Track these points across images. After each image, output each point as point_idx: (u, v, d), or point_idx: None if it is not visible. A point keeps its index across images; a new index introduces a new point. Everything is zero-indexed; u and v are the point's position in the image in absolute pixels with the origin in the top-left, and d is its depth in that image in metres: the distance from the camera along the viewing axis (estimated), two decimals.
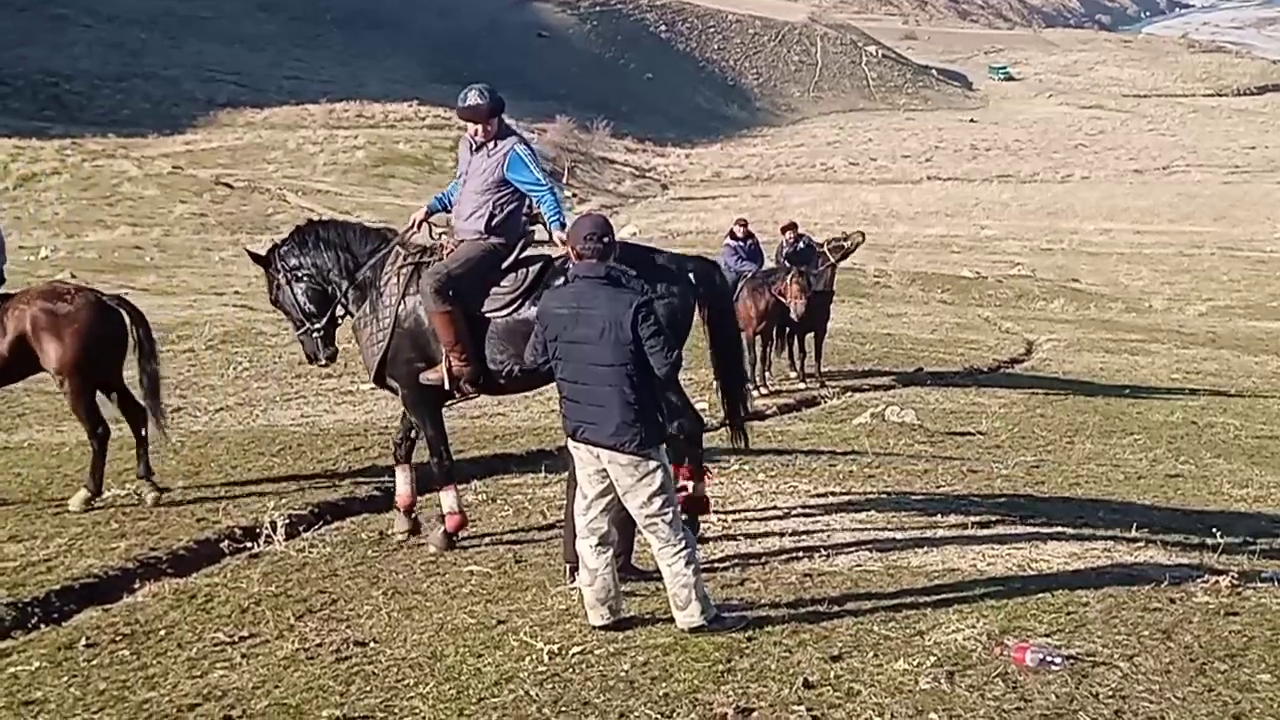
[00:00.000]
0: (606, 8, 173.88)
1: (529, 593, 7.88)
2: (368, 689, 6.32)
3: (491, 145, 8.83)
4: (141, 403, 10.76)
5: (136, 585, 8.27)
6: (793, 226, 21.15)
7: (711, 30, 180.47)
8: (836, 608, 7.39)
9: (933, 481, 12.02)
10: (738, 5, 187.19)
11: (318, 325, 9.28)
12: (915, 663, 6.46)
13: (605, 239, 7.10)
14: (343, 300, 9.14)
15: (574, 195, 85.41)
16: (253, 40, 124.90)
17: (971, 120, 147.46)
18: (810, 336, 20.03)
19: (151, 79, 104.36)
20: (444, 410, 9.22)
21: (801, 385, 19.50)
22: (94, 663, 6.79)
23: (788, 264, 20.01)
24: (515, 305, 8.58)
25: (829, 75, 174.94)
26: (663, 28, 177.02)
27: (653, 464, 6.91)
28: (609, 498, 7.12)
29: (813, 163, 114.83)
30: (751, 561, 8.55)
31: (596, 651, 6.74)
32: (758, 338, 18.99)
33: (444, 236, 9.11)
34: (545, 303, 7.22)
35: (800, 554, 8.74)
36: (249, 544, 9.20)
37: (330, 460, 12.29)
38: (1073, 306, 37.06)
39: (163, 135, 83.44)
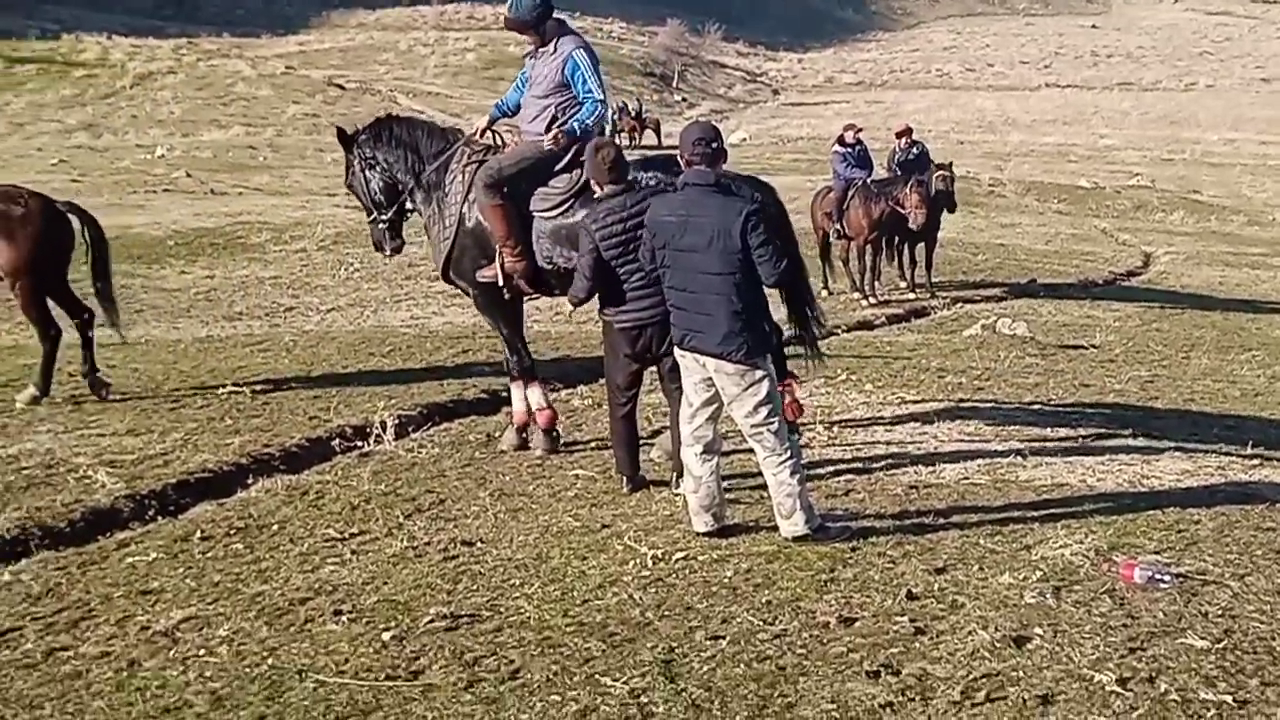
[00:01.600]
0: None
1: (633, 498, 7.92)
2: (474, 588, 6.41)
3: (551, 50, 8.80)
4: (87, 304, 10.95)
5: (250, 481, 8.43)
6: (907, 132, 20.79)
7: None
8: (942, 520, 7.35)
9: (1043, 395, 11.87)
10: None
11: (385, 216, 9.39)
12: (1021, 577, 6.41)
13: (714, 144, 7.03)
14: (410, 198, 9.29)
15: (683, 100, 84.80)
16: None
17: (1093, 26, 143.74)
18: (921, 246, 19.77)
19: None
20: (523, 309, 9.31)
21: (911, 295, 19.29)
22: (209, 555, 6.95)
23: (900, 171, 19.72)
24: (565, 207, 8.69)
25: None
26: None
27: (759, 373, 6.88)
28: (714, 406, 7.11)
29: (928, 69, 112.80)
30: (857, 472, 8.52)
31: (700, 558, 6.77)
32: (868, 246, 18.78)
33: (509, 135, 9.17)
34: (654, 210, 7.18)
35: (906, 465, 8.69)
36: (359, 443, 9.34)
37: (438, 362, 12.43)
38: (1193, 219, 36.19)
39: (276, 35, 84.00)
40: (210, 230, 22.46)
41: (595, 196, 7.90)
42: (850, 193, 18.95)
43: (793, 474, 6.93)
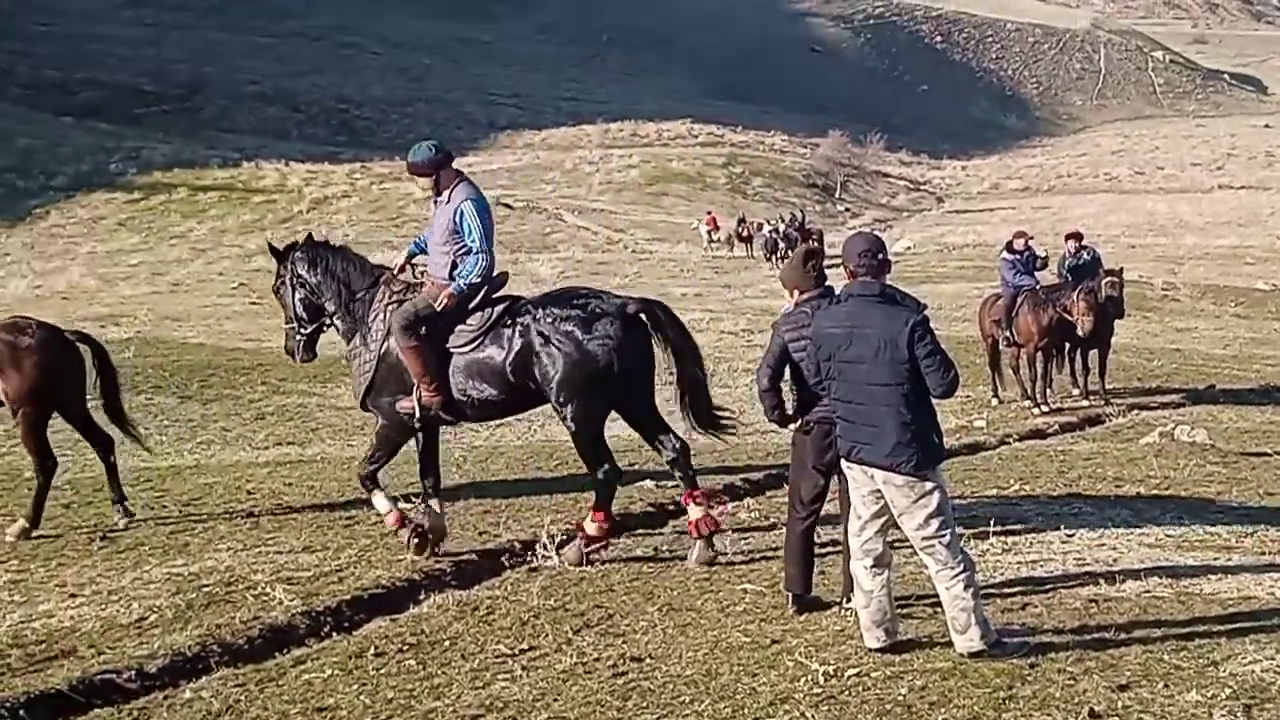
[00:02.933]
0: (881, 20, 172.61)
1: (803, 613, 7.82)
2: (644, 705, 6.36)
3: (445, 199, 9.40)
4: (107, 431, 11.08)
5: (422, 596, 8.54)
6: (1076, 236, 20.49)
7: (989, 39, 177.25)
8: (1124, 635, 7.11)
9: (1226, 504, 11.48)
10: (1017, 13, 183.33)
11: (305, 331, 9.96)
12: (1209, 694, 6.16)
13: (880, 256, 7.01)
14: (335, 325, 9.81)
15: (846, 209, 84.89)
16: (531, 62, 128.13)
17: (1266, 125, 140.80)
18: (1094, 353, 19.39)
19: (435, 103, 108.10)
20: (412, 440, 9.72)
21: (1085, 403, 18.88)
22: (382, 671, 7.03)
23: (1070, 277, 19.42)
24: (477, 343, 9.22)
25: (1113, 82, 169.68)
26: (938, 38, 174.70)
27: (929, 485, 6.78)
28: (883, 518, 7.01)
29: (1095, 172, 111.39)
30: (1034, 585, 8.31)
31: (873, 674, 6.64)
32: (1039, 354, 18.47)
33: (425, 275, 9.68)
34: (818, 322, 7.17)
35: (1085, 578, 8.44)
36: (528, 557, 9.40)
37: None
38: None
39: None
40: None
41: (795, 301, 7.90)
42: (1019, 299, 18.70)
43: (967, 587, 6.79)
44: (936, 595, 7.00)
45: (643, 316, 9.25)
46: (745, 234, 54.99)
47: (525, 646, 7.38)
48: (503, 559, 9.38)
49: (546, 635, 7.55)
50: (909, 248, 58.83)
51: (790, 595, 7.97)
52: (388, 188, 69.19)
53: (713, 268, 49.85)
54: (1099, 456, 14.26)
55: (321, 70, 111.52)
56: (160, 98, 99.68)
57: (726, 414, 10.08)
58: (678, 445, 9.38)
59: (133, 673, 7.00)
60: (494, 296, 9.35)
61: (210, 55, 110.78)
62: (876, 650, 6.96)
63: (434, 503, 9.64)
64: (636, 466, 12.84)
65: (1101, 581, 8.32)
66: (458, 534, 9.99)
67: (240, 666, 7.19)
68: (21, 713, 6.43)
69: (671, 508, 11.20)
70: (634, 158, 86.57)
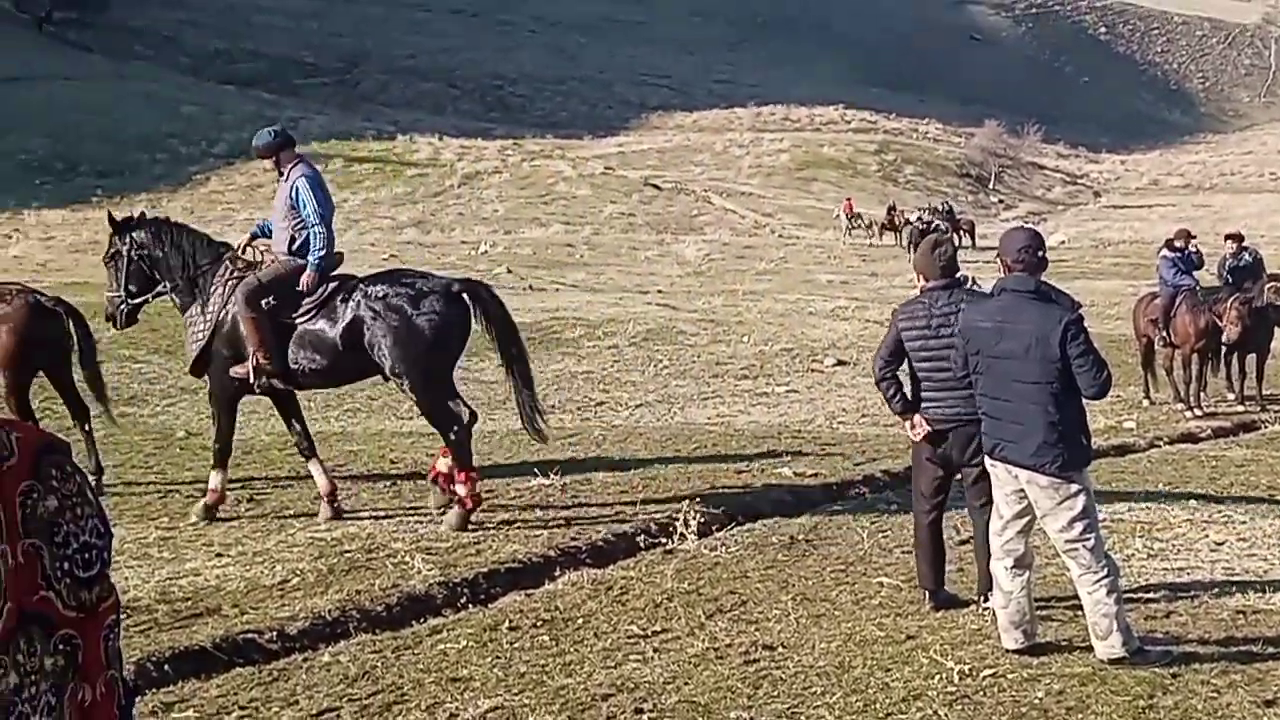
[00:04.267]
0: (1043, 9, 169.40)
1: (940, 609, 7.72)
2: (775, 694, 6.33)
3: (285, 177, 10.14)
4: (85, 402, 11.29)
5: (557, 573, 8.58)
6: (1237, 237, 19.87)
7: (1155, 32, 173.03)
8: (1271, 649, 6.90)
9: None
10: (1184, 6, 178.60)
11: (133, 301, 10.44)
12: None
13: (1039, 253, 6.88)
14: (173, 296, 10.35)
15: (1000, 201, 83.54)
16: (685, 44, 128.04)
17: None
18: (1251, 357, 18.82)
19: (588, 82, 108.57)
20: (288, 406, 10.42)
21: (1240, 408, 18.35)
22: (515, 645, 7.08)
23: (1229, 278, 18.86)
24: (310, 315, 9.84)
25: None
26: (1102, 29, 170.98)
27: (1074, 487, 6.64)
28: (1026, 519, 6.89)
29: (1261, 171, 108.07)
30: (1179, 593, 8.10)
31: (1009, 676, 6.53)
32: (1194, 356, 17.99)
33: (266, 255, 10.35)
34: (967, 315, 7.06)
35: (1233, 588, 8.22)
36: (663, 540, 9.41)
37: (744, 461, 12.44)
38: None
39: (596, 137, 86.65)
40: (528, 325, 23.10)
41: (921, 288, 7.83)
42: (1178, 299, 18.22)
43: (1109, 593, 6.64)
44: (1077, 598, 6.87)
45: (465, 296, 9.90)
46: (894, 223, 54.40)
47: (658, 628, 7.38)
48: (638, 539, 9.40)
49: (679, 618, 7.54)
50: (1063, 242, 57.75)
51: (926, 591, 7.88)
52: (538, 164, 69.75)
53: (860, 255, 49.46)
54: (1252, 463, 13.86)
55: (477, 47, 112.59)
56: (320, 70, 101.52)
57: (542, 408, 10.62)
58: (469, 417, 9.87)
59: (274, 633, 7.15)
60: (330, 274, 10.02)
61: (370, 30, 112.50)
62: (1014, 651, 6.85)
63: (313, 465, 10.22)
64: (774, 452, 12.81)
65: (1250, 592, 8.09)
66: (595, 513, 10.04)
67: (378, 633, 7.30)
68: (166, 667, 6.60)
69: (810, 491, 11.16)
70: (784, 142, 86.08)
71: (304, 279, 9.85)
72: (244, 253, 10.41)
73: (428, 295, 9.67)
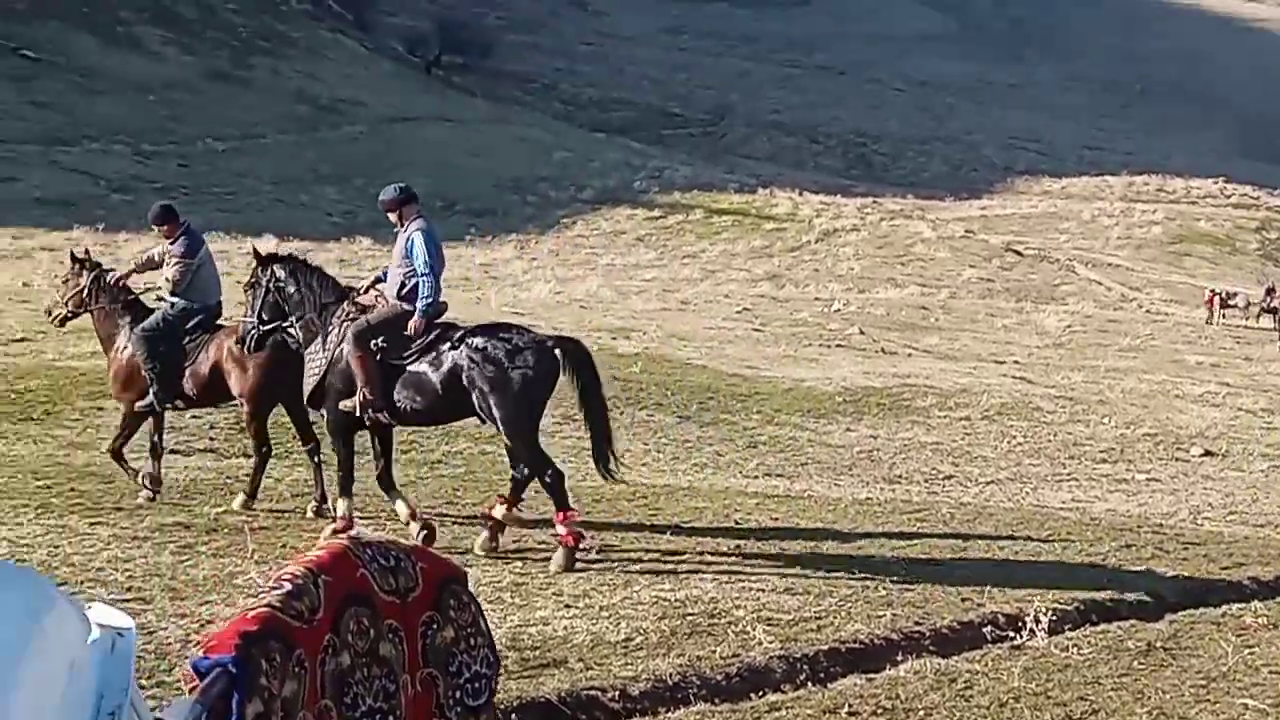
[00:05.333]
0: None
1: None
2: None
3: (403, 228, 10.99)
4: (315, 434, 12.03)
5: (898, 658, 8.42)
6: None
7: None
8: None
9: None
10: None
11: (264, 328, 11.21)
12: None
13: None
14: (294, 332, 11.15)
15: None
16: (1057, 109, 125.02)
17: None
18: None
19: (953, 143, 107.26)
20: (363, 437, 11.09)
21: None
22: None
23: None
24: (414, 358, 10.61)
25: None
26: None
27: None
28: None
29: None
30: None
31: None
32: None
33: (379, 299, 11.15)
34: None
35: None
36: (1011, 633, 9.11)
37: (1099, 554, 11.95)
38: None
39: (958, 199, 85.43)
40: (877, 390, 22.95)
41: None
42: None
43: None
44: None
45: (557, 352, 10.64)
46: (1274, 305, 51.54)
47: None
48: (984, 630, 9.13)
49: None
50: None
51: None
52: (897, 224, 69.26)
53: (1234, 337, 47.06)
54: None
55: (842, 104, 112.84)
56: (687, 121, 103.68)
57: (620, 458, 11.33)
58: (552, 474, 10.46)
59: (616, 692, 7.27)
60: (435, 322, 10.81)
61: (737, 83, 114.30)
62: None
63: (399, 505, 10.91)
64: (1133, 548, 12.26)
65: None
66: (940, 598, 9.81)
67: (717, 703, 7.33)
68: (514, 717, 6.78)
69: (1170, 594, 10.63)
70: (1158, 213, 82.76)
71: (411, 324, 10.66)
72: (363, 295, 11.27)
73: (524, 350, 10.49)
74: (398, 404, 10.70)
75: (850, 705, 7.39)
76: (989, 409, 21.90)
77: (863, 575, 10.36)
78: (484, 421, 10.73)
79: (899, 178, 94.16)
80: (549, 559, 10.17)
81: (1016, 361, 32.41)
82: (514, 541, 10.94)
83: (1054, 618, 9.18)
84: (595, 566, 10.20)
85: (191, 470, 12.93)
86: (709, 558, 10.68)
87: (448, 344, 10.57)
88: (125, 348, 12.03)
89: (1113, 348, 38.12)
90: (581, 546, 10.27)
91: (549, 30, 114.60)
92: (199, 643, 7.14)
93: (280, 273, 11.26)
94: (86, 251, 13.07)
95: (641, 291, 46.29)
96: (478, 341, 10.48)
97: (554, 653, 7.85)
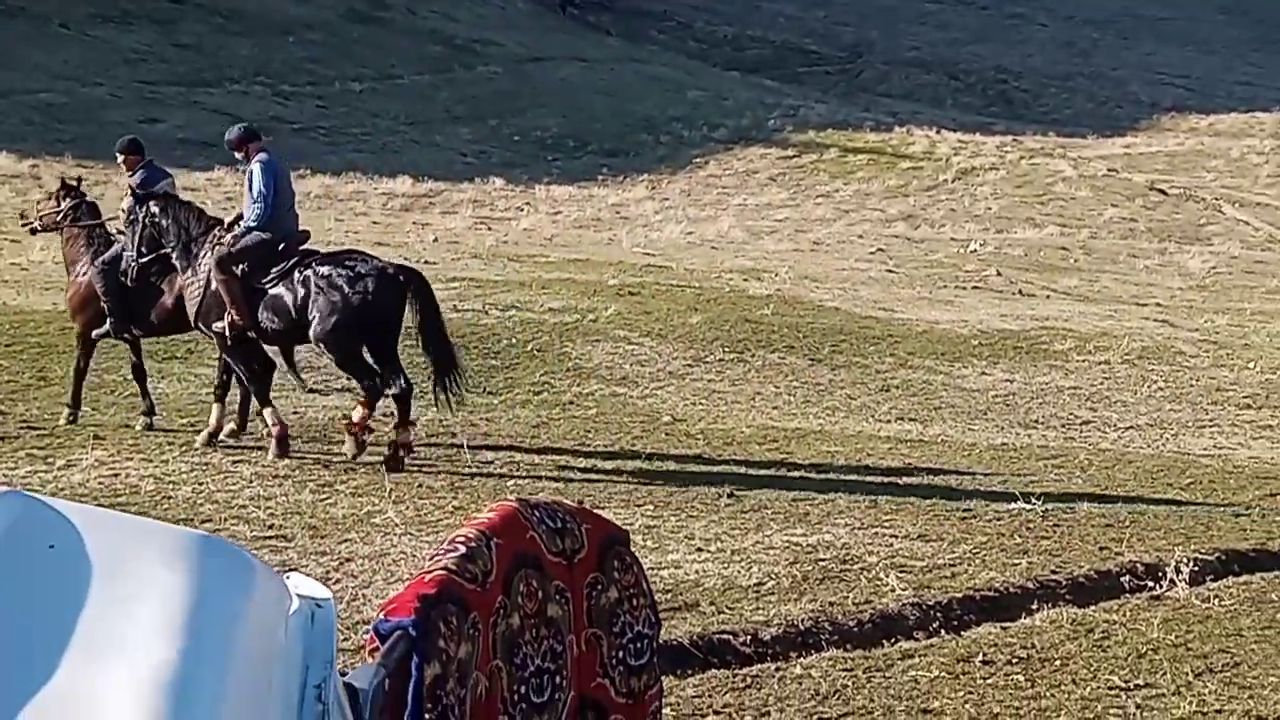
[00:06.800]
0: None
1: None
2: None
3: (247, 163, 11.96)
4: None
5: (1034, 606, 8.32)
6: None
7: None
8: None
9: None
10: None
11: (143, 260, 11.95)
12: None
13: None
14: (175, 260, 11.97)
15: None
16: (1207, 43, 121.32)
17: None
18: None
19: (1097, 79, 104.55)
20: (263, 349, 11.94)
21: None
22: (989, 682, 6.92)
23: None
24: (270, 283, 11.43)
25: None
26: None
27: None
28: None
29: None
30: None
31: None
32: None
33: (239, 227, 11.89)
34: None
35: None
36: (1149, 583, 8.95)
37: (1242, 502, 11.68)
38: None
39: (1101, 136, 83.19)
40: (1014, 333, 22.56)
41: None
42: None
43: None
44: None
45: (401, 278, 11.46)
46: None
47: (1140, 682, 7.04)
48: (1122, 580, 8.98)
49: (1165, 673, 7.17)
50: None
51: None
52: (1037, 163, 67.79)
53: None
54: None
55: (983, 40, 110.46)
56: (823, 58, 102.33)
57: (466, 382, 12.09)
58: (403, 385, 11.35)
59: (748, 637, 7.28)
60: (297, 249, 11.72)
61: (876, 19, 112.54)
62: None
63: (267, 412, 11.58)
64: (1277, 494, 11.95)
65: None
66: (1076, 545, 9.67)
67: (849, 649, 7.30)
68: None
69: None
70: None
71: (228, 236, 11.60)
72: (229, 227, 11.99)
73: (364, 276, 11.29)
74: (261, 324, 11.57)
75: (985, 654, 7.32)
76: (1129, 353, 21.42)
77: (997, 522, 10.24)
78: (311, 339, 11.57)
79: (1040, 115, 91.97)
80: (679, 506, 10.20)
81: (1158, 304, 31.63)
82: (643, 485, 10.98)
83: (1195, 568, 9.00)
84: (726, 510, 10.20)
85: (330, 410, 13.14)
86: (841, 503, 10.63)
87: (301, 269, 11.45)
88: (84, 274, 12.60)
89: (1259, 290, 37.07)
90: (364, 440, 11.33)
91: None
92: (343, 594, 7.30)
93: (155, 209, 12.11)
94: (78, 179, 13.79)
95: (774, 232, 45.99)
96: (324, 268, 11.40)
97: (685, 596, 7.88)
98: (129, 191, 12.79)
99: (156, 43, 61.67)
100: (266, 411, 11.64)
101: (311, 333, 11.43)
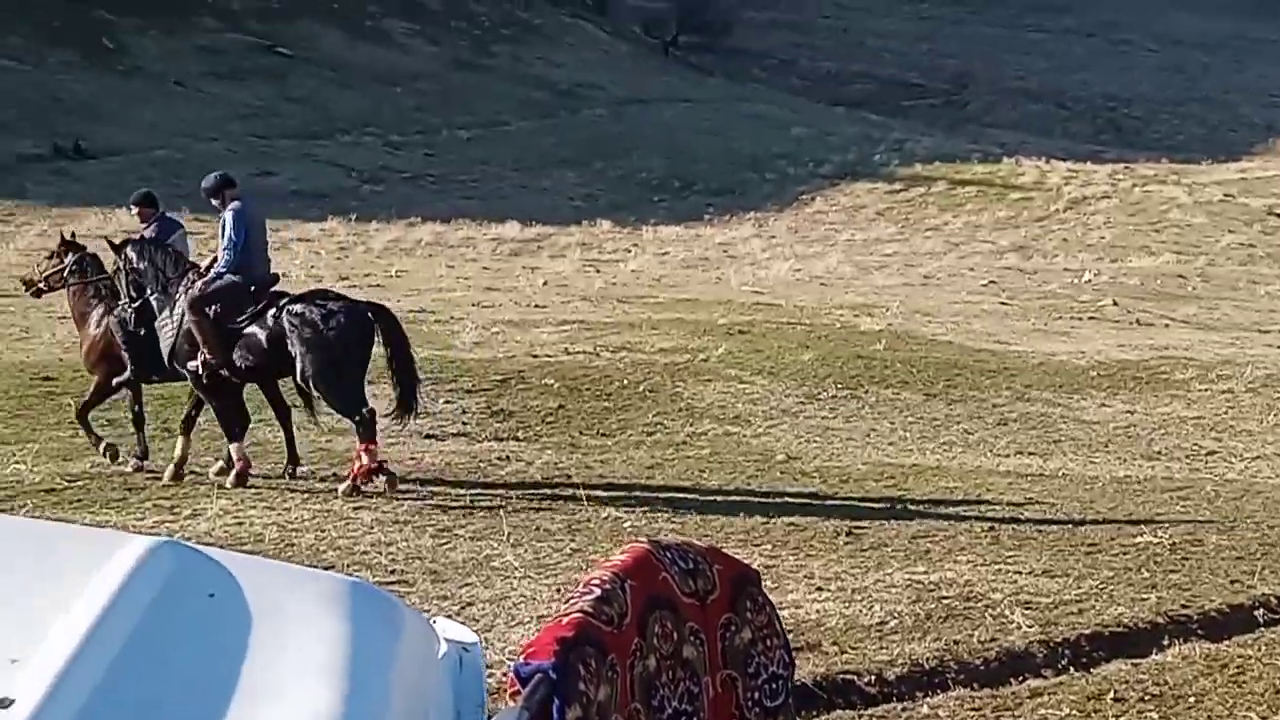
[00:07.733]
0: None
1: None
2: None
3: (223, 210, 12.30)
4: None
5: (1165, 642, 8.16)
6: None
7: None
8: None
9: None
10: None
11: (134, 305, 12.33)
12: None
13: None
14: (152, 302, 12.27)
15: None
16: None
17: None
18: None
19: (1208, 103, 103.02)
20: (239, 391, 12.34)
21: None
22: (1120, 719, 6.80)
23: None
24: (244, 323, 11.87)
25: None
26: None
27: None
28: None
29: None
30: None
31: None
32: None
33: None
34: None
35: None
36: None
37: None
38: None
39: (1215, 161, 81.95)
40: (1133, 363, 22.22)
41: None
42: None
43: None
44: None
45: (370, 316, 11.98)
46: None
47: None
48: (1255, 613, 8.78)
49: None
50: None
51: None
52: (1150, 190, 66.89)
53: None
54: None
55: (1090, 67, 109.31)
56: (927, 91, 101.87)
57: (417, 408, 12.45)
58: (368, 413, 11.71)
59: (872, 677, 7.22)
60: (268, 292, 12.09)
61: (980, 50, 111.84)
62: None
63: (232, 446, 11.92)
64: None
65: None
66: (1207, 579, 9.48)
67: (976, 689, 7.21)
68: None
69: None
70: None
71: (199, 282, 11.97)
72: (205, 271, 12.34)
73: (336, 314, 11.72)
74: (236, 363, 11.97)
75: (1116, 691, 7.19)
76: (1253, 381, 20.98)
77: (1124, 556, 10.06)
78: (298, 377, 11.86)
79: (1152, 141, 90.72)
80: (797, 544, 10.17)
81: None
82: (759, 524, 10.96)
83: None
84: (845, 548, 10.14)
85: (446, 454, 13.29)
86: (962, 539, 10.51)
87: (274, 310, 11.84)
88: (98, 327, 12.82)
89: None
90: (371, 482, 11.56)
91: (787, 5, 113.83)
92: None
93: (132, 254, 12.50)
94: (73, 234, 14.20)
95: (883, 267, 45.76)
96: (297, 307, 11.80)
97: (807, 636, 7.84)
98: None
99: (269, 97, 63.04)
100: (232, 446, 11.99)
101: (299, 376, 11.81)
